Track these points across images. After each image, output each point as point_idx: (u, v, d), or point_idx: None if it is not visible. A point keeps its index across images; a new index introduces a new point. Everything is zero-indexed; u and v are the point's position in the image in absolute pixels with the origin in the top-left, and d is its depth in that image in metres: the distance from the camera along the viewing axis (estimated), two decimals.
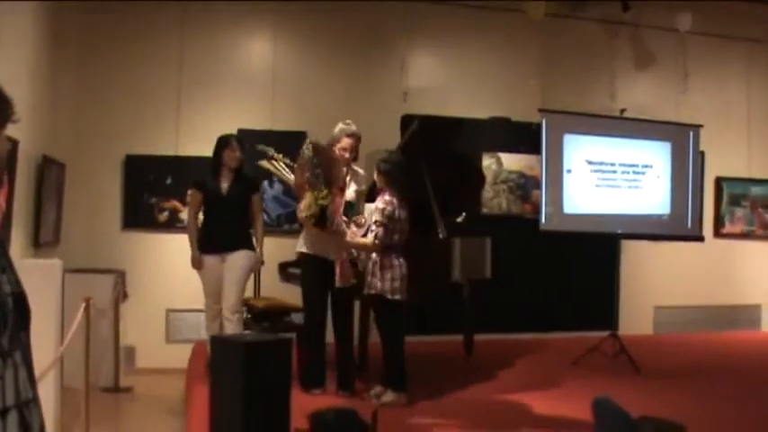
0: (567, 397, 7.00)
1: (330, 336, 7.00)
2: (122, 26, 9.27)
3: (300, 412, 5.46)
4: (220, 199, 7.17)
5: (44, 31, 7.67)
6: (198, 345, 8.24)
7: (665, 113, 10.42)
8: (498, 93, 10.47)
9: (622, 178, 9.24)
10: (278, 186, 9.40)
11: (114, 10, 9.15)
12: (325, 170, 6.57)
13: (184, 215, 9.22)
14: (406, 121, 7.83)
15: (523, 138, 10.00)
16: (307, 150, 6.59)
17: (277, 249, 8.38)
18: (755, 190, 11.87)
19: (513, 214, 10.43)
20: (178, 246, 9.00)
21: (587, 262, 10.25)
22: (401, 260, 6.46)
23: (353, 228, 6.63)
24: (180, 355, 8.39)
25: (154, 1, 9.25)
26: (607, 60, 11.01)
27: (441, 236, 7.07)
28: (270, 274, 8.27)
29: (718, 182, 11.65)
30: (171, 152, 9.24)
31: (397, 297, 6.39)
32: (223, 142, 7.26)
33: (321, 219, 6.49)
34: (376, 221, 6.39)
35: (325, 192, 6.47)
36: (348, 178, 6.87)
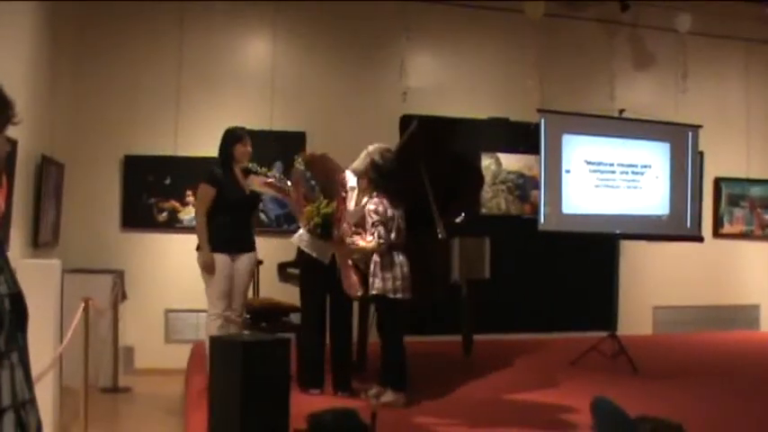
0: (566, 397, 6.99)
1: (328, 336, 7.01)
2: (121, 26, 9.27)
3: (299, 413, 5.46)
4: (239, 197, 6.85)
5: (42, 32, 7.67)
6: (197, 345, 8.23)
7: (664, 114, 10.41)
8: (497, 93, 10.47)
9: (621, 178, 9.24)
10: None
11: (113, 10, 9.15)
12: (322, 180, 6.59)
13: (183, 215, 9.24)
14: (405, 121, 7.85)
15: (522, 138, 10.01)
16: (299, 165, 6.61)
17: (276, 250, 8.37)
18: (754, 190, 11.88)
19: (511, 214, 10.44)
20: (177, 246, 9.02)
21: (586, 262, 10.25)
22: (402, 258, 6.48)
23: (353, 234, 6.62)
24: (179, 356, 8.39)
25: (153, 1, 9.25)
26: (606, 60, 11.02)
27: (440, 236, 7.07)
28: (269, 275, 8.27)
29: (717, 182, 11.66)
30: (170, 152, 9.25)
31: (399, 296, 6.39)
32: (235, 137, 6.95)
33: (325, 228, 6.49)
34: (374, 223, 6.39)
35: (324, 201, 6.50)
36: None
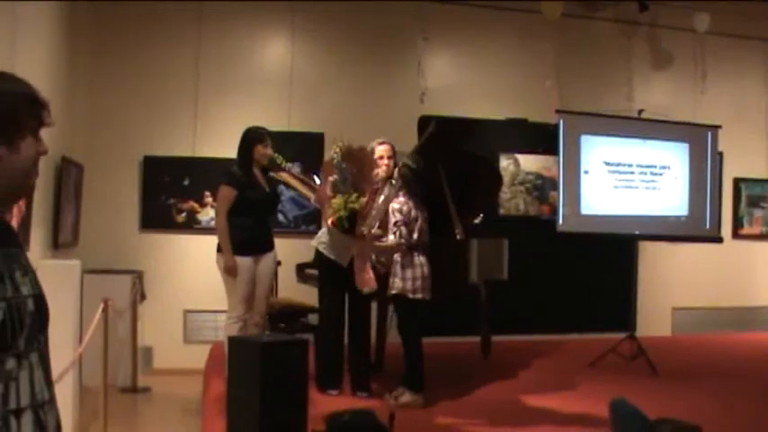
0: (584, 398, 6.98)
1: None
2: (139, 28, 9.31)
3: (317, 413, 5.47)
4: (260, 198, 6.80)
5: (61, 34, 7.71)
6: (215, 345, 8.26)
7: (683, 114, 10.37)
8: (515, 94, 10.45)
9: (640, 179, 9.21)
10: None
11: (131, 12, 9.18)
12: (356, 174, 6.55)
13: (202, 216, 9.26)
14: (423, 122, 7.83)
15: (541, 139, 9.98)
16: (335, 156, 6.50)
17: (294, 250, 8.39)
18: None
19: (530, 215, 10.42)
20: (196, 246, 9.05)
21: (605, 263, 10.22)
22: (423, 259, 6.48)
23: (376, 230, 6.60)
24: (197, 356, 8.41)
25: (171, 1, 9.28)
26: (624, 61, 10.99)
27: (458, 237, 7.06)
28: (287, 275, 8.28)
29: (737, 183, 11.60)
30: (188, 153, 9.27)
31: (419, 296, 6.40)
32: (256, 137, 6.87)
33: (351, 223, 6.44)
34: (396, 222, 6.40)
35: (355, 195, 6.45)
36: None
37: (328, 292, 6.97)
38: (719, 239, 9.98)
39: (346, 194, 6.43)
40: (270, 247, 6.92)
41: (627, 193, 9.14)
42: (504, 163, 10.26)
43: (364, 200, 6.47)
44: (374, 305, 7.83)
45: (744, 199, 11.67)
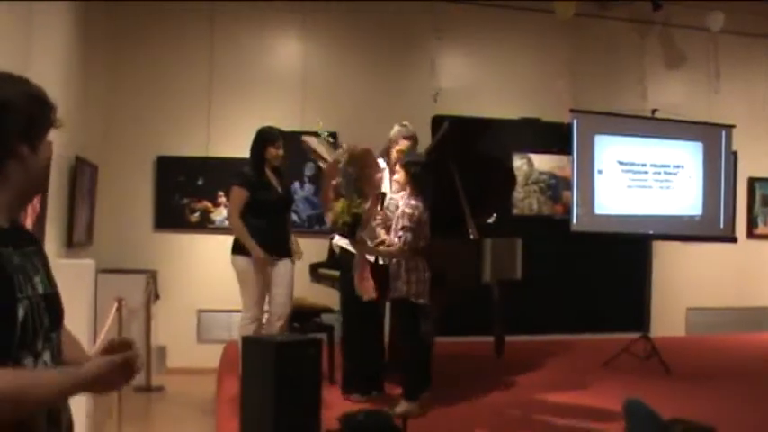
0: (598, 398, 6.97)
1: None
2: (153, 29, 9.33)
3: (331, 413, 5.47)
4: (272, 199, 6.80)
5: (75, 34, 7.73)
6: (228, 345, 8.27)
7: (697, 113, 10.34)
8: (528, 93, 10.44)
9: (654, 179, 9.19)
10: (309, 187, 9.44)
11: (144, 12, 9.21)
12: (361, 179, 6.51)
13: (215, 216, 9.28)
14: (437, 122, 7.82)
15: (554, 138, 9.96)
16: (341, 159, 6.47)
17: (307, 250, 8.37)
18: None
19: (543, 215, 10.40)
20: (209, 246, 9.07)
21: (618, 263, 10.20)
22: (424, 264, 6.36)
23: (380, 232, 6.55)
24: (211, 355, 8.44)
25: (184, 1, 9.30)
26: (638, 60, 10.96)
27: (471, 237, 7.06)
28: (301, 275, 8.28)
29: (751, 182, 11.56)
30: (202, 153, 9.29)
31: (422, 300, 6.28)
32: (268, 137, 6.87)
33: (353, 228, 6.33)
34: (404, 227, 6.25)
35: (358, 201, 6.34)
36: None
37: (352, 294, 6.71)
38: (734, 239, 9.96)
39: (349, 199, 6.38)
40: (288, 250, 6.87)
41: (641, 192, 9.12)
42: (518, 162, 10.25)
43: (367, 205, 6.34)
44: (387, 305, 7.85)
45: (758, 198, 11.63)
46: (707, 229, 9.44)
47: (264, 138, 6.89)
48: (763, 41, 11.48)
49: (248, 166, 6.85)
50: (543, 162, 10.42)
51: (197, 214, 9.35)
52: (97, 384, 2.14)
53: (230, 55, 9.55)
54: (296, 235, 7.32)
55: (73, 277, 5.88)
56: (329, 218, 6.50)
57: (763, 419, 6.58)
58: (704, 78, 11.23)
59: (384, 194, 6.51)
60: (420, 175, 6.42)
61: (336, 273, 7.30)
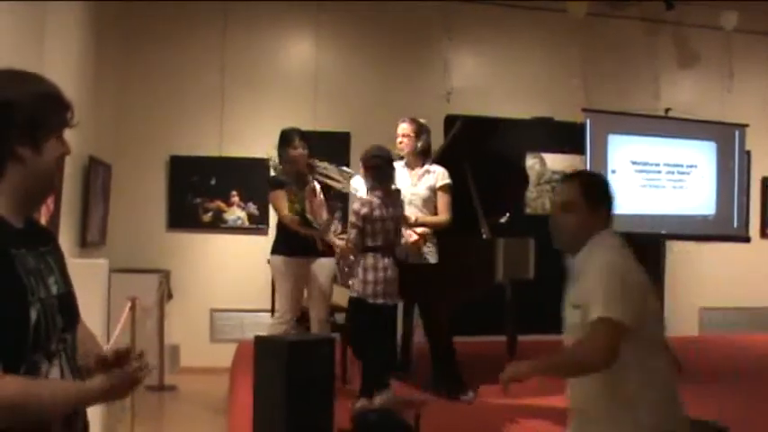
0: None
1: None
2: (166, 28, 9.35)
3: (343, 413, 5.48)
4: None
5: (88, 35, 7.75)
6: (242, 344, 8.28)
7: (710, 113, 10.31)
8: (541, 93, 10.42)
9: (667, 178, 9.17)
10: None
11: (157, 12, 9.22)
12: (289, 173, 6.60)
13: (228, 215, 9.30)
14: (449, 121, 7.83)
15: (567, 138, 9.94)
16: (271, 161, 6.67)
17: None
18: None
19: None
20: (222, 246, 9.10)
21: None
22: (387, 261, 6.13)
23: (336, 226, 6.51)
24: (224, 355, 8.44)
25: (197, 1, 9.32)
26: (650, 59, 10.93)
27: (484, 236, 7.06)
28: None
29: (765, 181, 11.50)
30: (215, 153, 9.31)
31: (380, 301, 6.06)
32: (284, 139, 6.88)
33: (303, 220, 6.45)
34: (350, 223, 6.13)
35: (301, 194, 6.47)
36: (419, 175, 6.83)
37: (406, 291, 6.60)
38: (747, 239, 9.93)
39: (291, 193, 6.44)
40: (326, 250, 6.77)
41: (654, 192, 9.11)
42: (531, 162, 10.23)
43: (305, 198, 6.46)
44: (400, 304, 7.85)
45: None
46: (720, 229, 9.42)
47: (281, 139, 6.91)
48: None
49: (275, 170, 6.95)
50: (556, 161, 10.39)
51: (210, 214, 9.36)
52: (103, 399, 2.16)
53: (243, 54, 9.57)
54: None
55: (86, 277, 5.89)
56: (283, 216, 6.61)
57: None
58: (717, 77, 11.19)
59: (399, 190, 6.48)
60: (376, 168, 6.22)
61: None
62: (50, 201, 5.96)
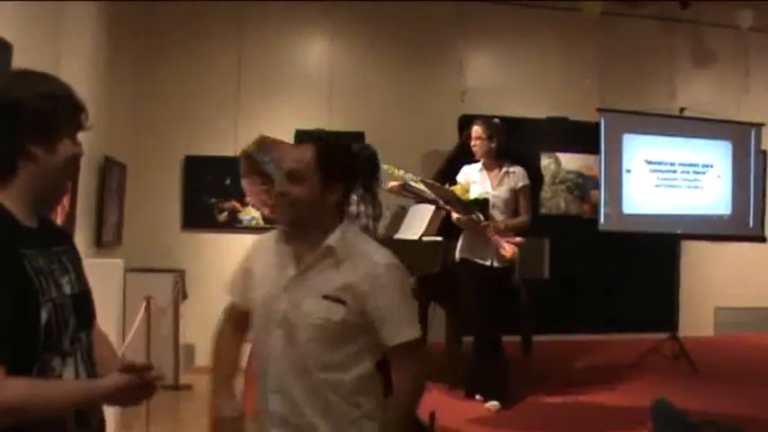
0: (626, 399, 6.95)
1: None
2: (181, 28, 9.37)
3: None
4: None
5: (103, 34, 7.77)
6: None
7: (726, 112, 10.26)
8: (556, 92, 10.40)
9: (682, 178, 9.15)
10: None
11: (172, 12, 9.25)
12: (276, 159, 6.46)
13: (243, 215, 9.32)
14: (464, 121, 7.82)
15: (582, 137, 9.92)
16: (253, 147, 6.53)
17: None
18: None
19: (571, 214, 10.35)
20: (237, 246, 9.04)
21: (646, 262, 10.14)
22: None
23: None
24: None
25: (212, 2, 9.34)
26: (666, 59, 10.90)
27: None
28: None
29: None
30: (230, 153, 9.31)
31: None
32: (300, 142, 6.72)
33: None
34: None
35: None
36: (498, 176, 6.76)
37: (484, 297, 6.64)
38: (763, 238, 9.90)
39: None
40: None
41: (669, 191, 9.08)
42: (545, 162, 10.23)
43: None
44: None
45: None
46: (736, 229, 9.39)
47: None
48: None
49: None
50: (571, 161, 10.38)
51: (225, 214, 9.39)
52: (113, 401, 2.17)
53: (258, 55, 9.59)
54: None
55: (102, 276, 5.90)
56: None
57: None
58: (733, 76, 11.14)
59: (486, 201, 6.46)
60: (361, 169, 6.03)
61: None
62: (66, 201, 5.99)
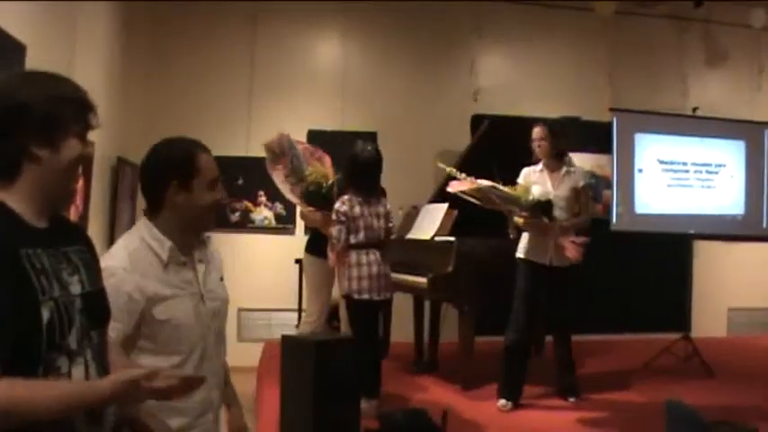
0: (639, 399, 6.93)
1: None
2: (194, 28, 9.41)
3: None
4: None
5: (117, 36, 7.81)
6: (268, 343, 8.31)
7: (739, 111, 10.25)
8: (568, 92, 10.40)
9: (695, 178, 9.11)
10: None
11: (185, 12, 9.28)
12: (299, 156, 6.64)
13: (256, 215, 9.34)
14: (477, 120, 7.81)
15: (594, 137, 9.90)
16: (287, 144, 6.68)
17: None
18: None
19: None
20: (250, 245, 9.12)
21: (659, 263, 10.12)
22: (372, 257, 6.10)
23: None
24: (251, 354, 8.46)
25: (226, 1, 9.37)
26: (678, 58, 10.88)
27: (511, 237, 7.05)
28: None
29: None
30: (242, 153, 9.34)
31: (365, 297, 6.05)
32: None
33: (323, 196, 6.53)
34: (332, 221, 6.12)
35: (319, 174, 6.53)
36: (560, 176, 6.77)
37: (533, 295, 6.72)
38: None
39: (315, 169, 6.41)
40: None
41: (681, 191, 9.05)
42: None
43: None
44: (427, 303, 7.86)
45: None
46: (749, 229, 9.34)
47: None
48: None
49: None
50: (583, 161, 10.32)
51: (237, 214, 9.41)
52: (116, 399, 2.15)
53: (271, 55, 9.61)
54: None
55: None
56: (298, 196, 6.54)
57: None
58: (746, 75, 11.12)
59: (550, 202, 6.49)
60: (352, 172, 6.24)
61: None
62: (79, 201, 6.01)
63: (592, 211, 6.97)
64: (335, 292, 6.88)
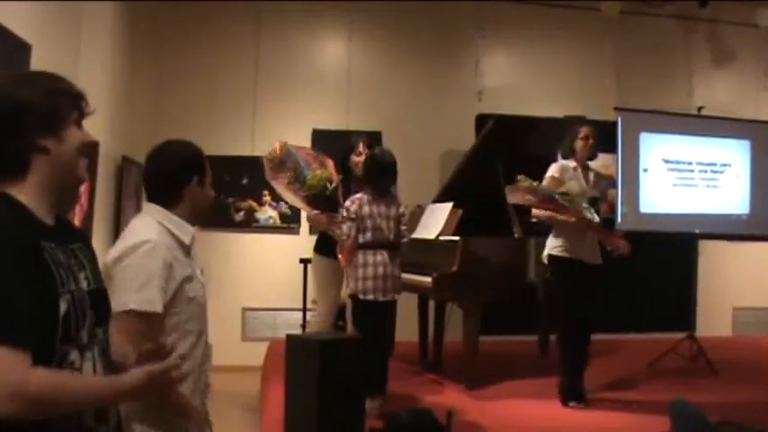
0: (643, 399, 6.92)
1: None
2: (199, 28, 9.42)
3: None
4: None
5: (122, 36, 7.81)
6: (273, 343, 8.31)
7: (745, 111, 10.23)
8: (573, 91, 10.39)
9: (700, 177, 9.09)
10: None
11: (191, 11, 9.29)
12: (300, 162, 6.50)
13: (260, 215, 9.34)
14: (481, 120, 7.81)
15: (599, 136, 9.88)
16: (283, 152, 6.48)
17: None
18: None
19: None
20: (254, 245, 9.13)
21: (664, 262, 10.10)
22: (379, 258, 6.07)
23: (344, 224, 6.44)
24: (256, 353, 8.47)
25: (230, 1, 9.37)
26: (684, 57, 10.87)
27: (516, 236, 7.05)
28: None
29: None
30: (247, 152, 9.34)
31: (370, 297, 6.03)
32: (347, 148, 6.96)
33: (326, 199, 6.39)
34: (342, 217, 6.12)
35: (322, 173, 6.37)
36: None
37: (576, 295, 6.74)
38: None
39: (318, 173, 6.41)
40: None
41: (687, 191, 9.03)
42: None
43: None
44: (432, 303, 7.86)
45: None
46: (754, 228, 9.32)
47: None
48: None
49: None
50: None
51: (242, 213, 9.41)
52: (136, 395, 2.21)
53: (276, 54, 9.62)
54: None
55: None
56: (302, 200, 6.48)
57: None
58: (752, 75, 11.11)
59: (596, 199, 6.54)
60: (368, 172, 6.25)
61: None
62: (84, 200, 6.01)
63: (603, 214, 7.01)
64: (344, 292, 6.89)
